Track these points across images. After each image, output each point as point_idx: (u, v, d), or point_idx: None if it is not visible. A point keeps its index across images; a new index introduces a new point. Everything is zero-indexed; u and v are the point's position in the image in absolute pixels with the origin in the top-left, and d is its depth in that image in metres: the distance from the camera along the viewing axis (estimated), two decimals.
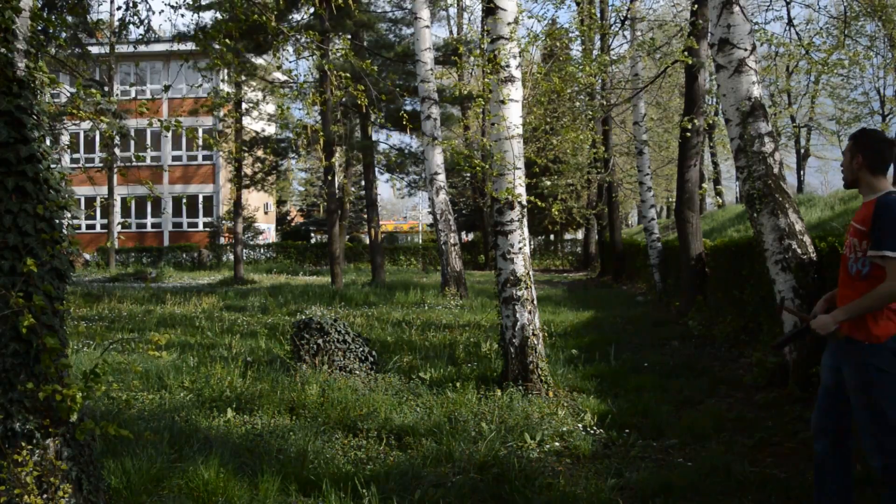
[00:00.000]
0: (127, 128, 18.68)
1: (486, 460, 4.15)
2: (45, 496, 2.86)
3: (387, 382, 6.10)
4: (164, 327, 9.83)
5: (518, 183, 6.06)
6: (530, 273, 6.10)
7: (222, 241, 31.39)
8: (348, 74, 5.42)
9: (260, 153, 22.96)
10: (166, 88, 5.12)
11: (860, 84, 27.55)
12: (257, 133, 23.86)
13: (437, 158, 14.24)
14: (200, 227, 32.68)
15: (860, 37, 13.66)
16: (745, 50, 6.06)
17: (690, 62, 9.77)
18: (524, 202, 6.13)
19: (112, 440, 4.13)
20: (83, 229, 31.65)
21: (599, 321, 10.82)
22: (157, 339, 3.13)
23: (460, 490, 3.77)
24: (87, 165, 23.81)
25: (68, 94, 3.63)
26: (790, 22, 10.48)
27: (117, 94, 26.73)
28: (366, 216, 24.20)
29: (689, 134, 10.63)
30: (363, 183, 22.86)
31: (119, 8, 5.47)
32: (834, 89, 25.01)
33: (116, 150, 22.74)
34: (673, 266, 13.10)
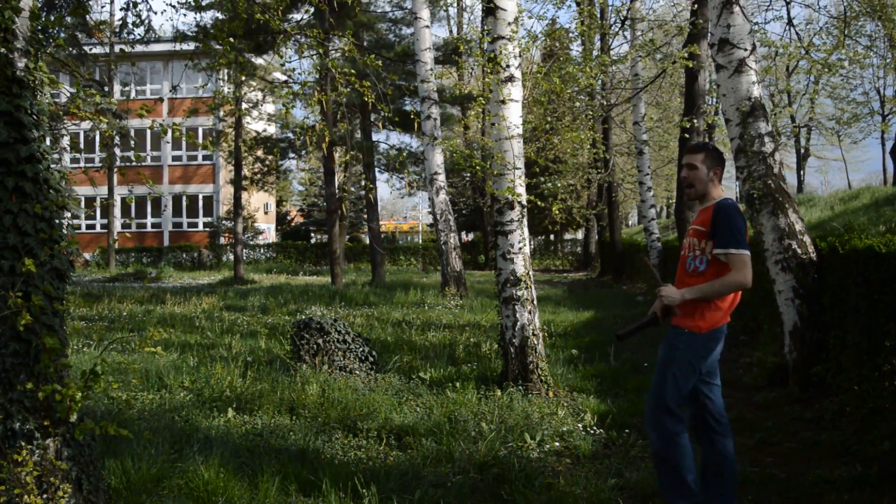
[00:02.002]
0: (127, 128, 18.70)
1: (486, 460, 4.15)
2: (44, 496, 2.86)
3: (387, 382, 6.10)
4: (164, 327, 9.83)
5: (518, 183, 6.06)
6: (530, 273, 6.10)
7: (222, 241, 31.39)
8: (353, 71, 5.42)
9: (260, 153, 22.96)
10: (174, 89, 5.13)
11: (860, 84, 27.59)
12: (257, 133, 23.86)
13: (437, 158, 14.24)
14: (200, 227, 32.68)
15: (860, 37, 13.66)
16: (745, 50, 6.06)
17: (691, 65, 9.77)
18: (524, 202, 6.13)
19: (112, 440, 4.13)
20: (83, 229, 31.65)
21: (599, 321, 10.82)
22: (153, 333, 3.13)
23: (460, 490, 3.77)
24: (87, 165, 23.82)
25: (68, 94, 3.63)
26: (790, 22, 10.48)
27: (121, 95, 26.76)
28: (366, 216, 24.20)
29: (688, 134, 10.64)
30: (363, 183, 22.85)
31: (121, 9, 5.47)
32: (834, 89, 25.04)
33: (116, 150, 22.72)
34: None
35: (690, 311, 3.21)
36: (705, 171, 3.33)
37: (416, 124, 7.23)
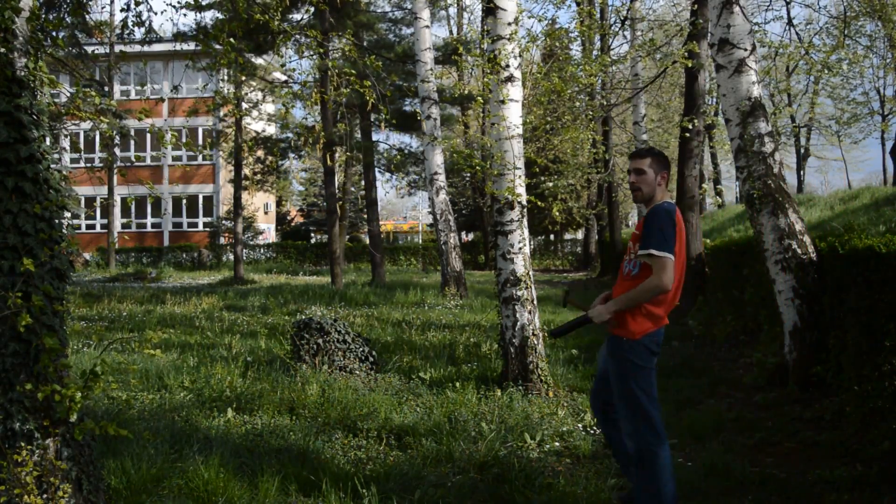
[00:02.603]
0: (127, 128, 18.70)
1: (486, 460, 4.15)
2: (44, 496, 2.86)
3: (387, 382, 6.10)
4: (164, 327, 9.83)
5: (518, 183, 6.06)
6: (530, 273, 6.10)
7: (222, 241, 31.38)
8: (353, 72, 5.41)
9: (260, 153, 22.95)
10: (175, 88, 5.12)
11: (860, 84, 27.57)
12: (257, 133, 23.86)
13: (437, 158, 14.23)
14: (200, 227, 32.68)
15: (860, 37, 13.66)
16: (745, 50, 6.06)
17: (690, 65, 9.77)
18: (524, 202, 6.13)
19: (112, 440, 4.13)
20: (83, 229, 31.66)
21: None
22: (152, 336, 3.14)
23: (460, 490, 3.77)
24: (87, 165, 23.82)
25: (68, 95, 3.63)
26: (790, 22, 10.49)
27: (121, 95, 26.76)
28: (366, 216, 24.20)
29: (689, 134, 10.64)
30: (363, 183, 22.85)
31: (121, 10, 5.47)
32: (834, 89, 25.03)
33: (116, 150, 22.73)
34: None
35: (622, 319, 3.23)
36: (653, 176, 3.36)
37: (420, 123, 7.22)
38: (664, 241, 3.11)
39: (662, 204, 3.27)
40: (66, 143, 18.80)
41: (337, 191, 19.25)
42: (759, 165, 5.96)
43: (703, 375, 6.61)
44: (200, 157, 32.62)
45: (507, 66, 6.08)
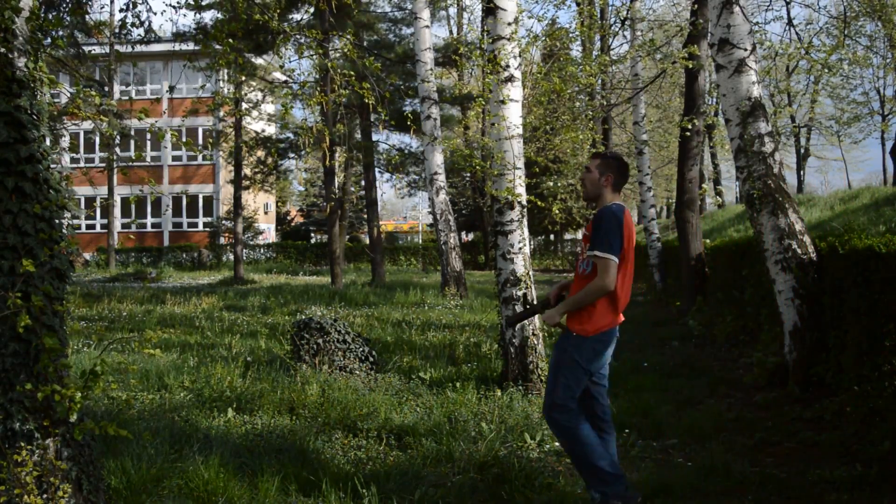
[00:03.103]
0: (127, 128, 18.69)
1: (486, 460, 4.15)
2: (44, 496, 2.86)
3: (387, 382, 6.10)
4: (164, 327, 9.83)
5: (518, 183, 6.06)
6: (530, 273, 6.10)
7: (222, 241, 31.38)
8: (353, 73, 5.42)
9: (260, 153, 22.95)
10: (171, 89, 5.11)
11: (860, 84, 27.59)
12: (257, 133, 23.86)
13: (437, 158, 14.23)
14: (200, 227, 32.68)
15: (860, 37, 13.66)
16: (745, 50, 6.06)
17: (691, 66, 9.77)
18: (524, 202, 6.13)
19: (112, 440, 4.13)
20: (83, 229, 31.65)
21: None
22: (152, 335, 3.14)
23: (460, 490, 3.77)
24: (87, 165, 23.81)
25: (68, 95, 3.63)
26: (790, 22, 10.49)
27: (121, 95, 26.75)
28: (366, 216, 24.20)
29: (689, 134, 10.63)
30: (363, 183, 22.85)
31: (121, 10, 5.47)
32: (834, 89, 25.04)
33: (116, 150, 22.72)
34: (673, 266, 13.11)
35: (577, 315, 3.35)
36: (597, 176, 3.49)
37: (410, 127, 7.23)
38: (608, 244, 3.24)
39: (610, 206, 3.38)
40: (65, 142, 18.78)
41: (337, 191, 19.25)
42: (759, 165, 5.96)
43: (703, 375, 6.61)
44: (200, 157, 32.61)
45: (507, 66, 6.08)
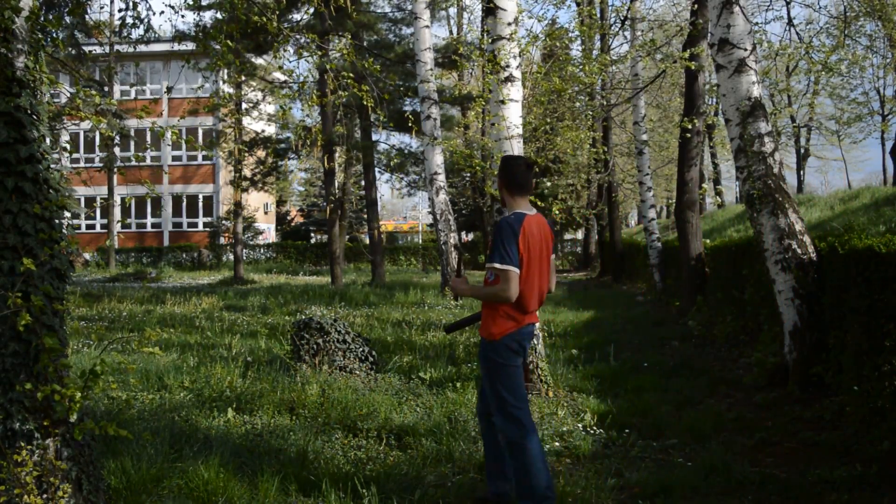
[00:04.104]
0: (127, 128, 18.69)
1: None
2: (44, 496, 2.85)
3: (387, 382, 6.10)
4: (164, 327, 9.83)
5: None
6: None
7: (222, 241, 31.38)
8: (351, 74, 5.41)
9: (260, 154, 22.95)
10: (168, 90, 5.11)
11: (860, 84, 27.57)
12: (257, 133, 23.86)
13: (437, 158, 14.23)
14: (200, 227, 32.67)
15: (860, 37, 13.67)
16: (745, 50, 6.06)
17: (691, 66, 9.78)
18: None
19: (112, 440, 4.13)
20: (83, 229, 31.65)
21: (599, 321, 10.82)
22: (151, 334, 3.14)
23: (460, 490, 3.77)
24: (87, 165, 23.80)
25: (68, 95, 3.62)
26: (790, 22, 10.49)
27: (121, 95, 26.75)
28: (366, 216, 24.20)
29: (689, 134, 10.63)
30: (363, 183, 22.85)
31: (120, 10, 5.47)
32: (834, 89, 25.03)
33: (116, 150, 22.72)
34: (673, 266, 13.10)
35: (485, 322, 3.50)
36: (499, 185, 3.64)
37: (411, 128, 7.23)
38: (506, 255, 3.33)
39: (508, 216, 3.47)
40: (65, 141, 18.79)
41: (337, 191, 19.26)
42: (759, 165, 5.96)
43: (703, 375, 6.61)
44: (200, 157, 32.61)
45: (507, 66, 6.08)
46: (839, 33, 11.08)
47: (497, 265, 3.33)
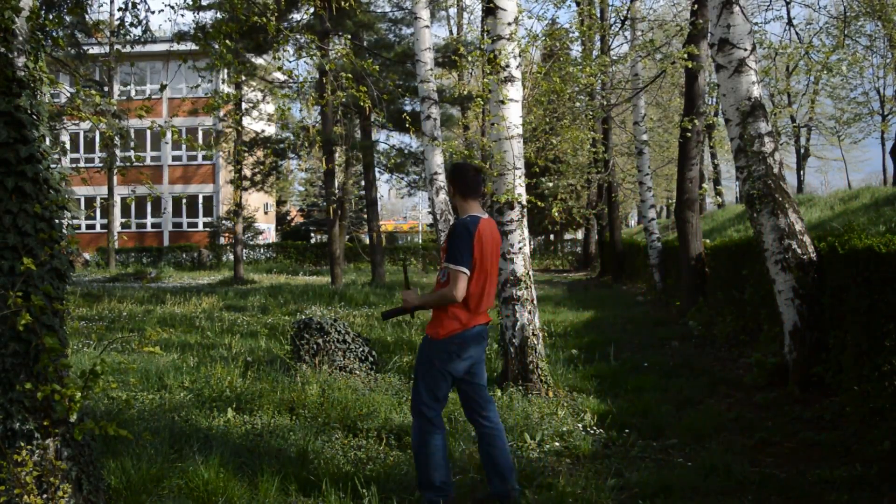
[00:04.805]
0: (127, 128, 18.70)
1: None
2: (44, 496, 2.85)
3: (387, 382, 6.10)
4: (164, 327, 9.83)
5: (518, 183, 6.06)
6: (530, 273, 6.09)
7: (222, 241, 31.37)
8: (350, 75, 5.41)
9: (260, 154, 22.94)
10: (163, 88, 5.10)
11: (860, 84, 27.57)
12: (257, 133, 23.85)
13: (437, 158, 14.19)
14: (200, 227, 32.67)
15: (860, 37, 13.67)
16: (745, 50, 6.05)
17: (691, 66, 9.77)
18: (524, 202, 6.13)
19: (112, 440, 4.13)
20: (83, 229, 31.63)
21: (599, 321, 10.82)
22: (151, 334, 3.14)
23: (460, 490, 3.77)
24: (87, 165, 23.79)
25: (68, 95, 3.63)
26: (790, 22, 10.50)
27: (121, 95, 26.75)
28: (366, 216, 24.19)
29: (689, 134, 10.63)
30: (363, 183, 22.85)
31: (120, 9, 5.46)
32: (834, 89, 25.03)
33: (116, 151, 22.71)
34: (673, 266, 13.10)
35: (433, 320, 3.61)
36: (449, 190, 3.75)
37: (409, 128, 7.23)
38: (459, 256, 3.44)
39: (463, 219, 3.57)
40: (65, 140, 18.78)
41: (337, 191, 19.26)
42: (759, 165, 5.96)
43: (703, 375, 6.61)
44: (200, 157, 32.61)
45: (507, 66, 6.08)
46: (839, 33, 11.09)
47: (451, 266, 3.44)
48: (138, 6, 5.19)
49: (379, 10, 20.68)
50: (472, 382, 3.69)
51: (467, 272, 3.45)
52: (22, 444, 2.86)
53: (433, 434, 3.54)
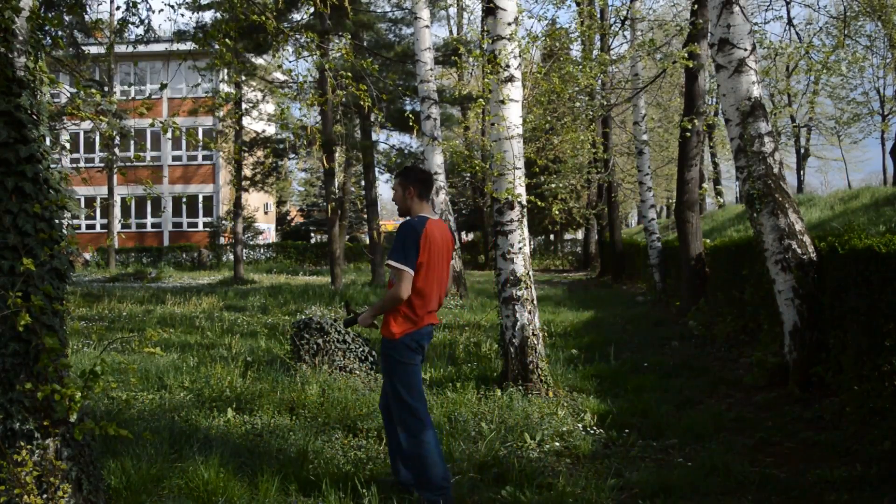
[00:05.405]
0: (127, 128, 18.70)
1: (486, 460, 4.15)
2: (44, 496, 2.85)
3: None
4: (164, 327, 9.83)
5: (518, 183, 6.06)
6: (530, 273, 6.09)
7: (222, 241, 31.37)
8: (349, 74, 5.41)
9: (260, 154, 22.94)
10: (163, 87, 5.10)
11: (860, 84, 27.58)
12: (257, 133, 23.84)
13: (437, 159, 14.21)
14: (200, 227, 32.67)
15: (860, 37, 13.67)
16: (745, 50, 6.05)
17: (691, 65, 9.77)
18: (524, 202, 6.13)
19: (112, 440, 4.13)
20: (83, 229, 31.63)
21: (599, 321, 10.82)
22: (152, 334, 3.14)
23: (460, 490, 3.77)
24: (87, 165, 23.78)
25: (68, 95, 3.63)
26: (790, 22, 10.50)
27: (121, 95, 26.74)
28: (366, 216, 24.19)
29: (689, 134, 10.63)
30: (363, 183, 22.84)
31: (119, 7, 5.46)
32: (834, 89, 25.03)
33: (116, 150, 22.71)
34: (673, 266, 13.10)
35: (386, 322, 3.64)
36: (401, 192, 3.75)
37: (412, 127, 7.23)
38: (404, 255, 3.49)
39: (412, 219, 3.63)
40: (66, 141, 18.76)
41: (337, 191, 19.25)
42: (759, 165, 5.96)
43: (703, 375, 6.61)
44: (200, 157, 32.61)
45: (507, 66, 6.08)
46: (839, 33, 11.09)
47: (394, 263, 3.50)
48: (139, 5, 5.20)
49: (379, 10, 20.68)
50: None
51: (411, 271, 3.50)
52: (22, 444, 2.86)
53: (425, 430, 3.57)
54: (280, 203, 41.12)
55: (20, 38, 3.04)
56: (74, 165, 26.67)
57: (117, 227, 30.03)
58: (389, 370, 3.64)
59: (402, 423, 3.59)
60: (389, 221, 53.80)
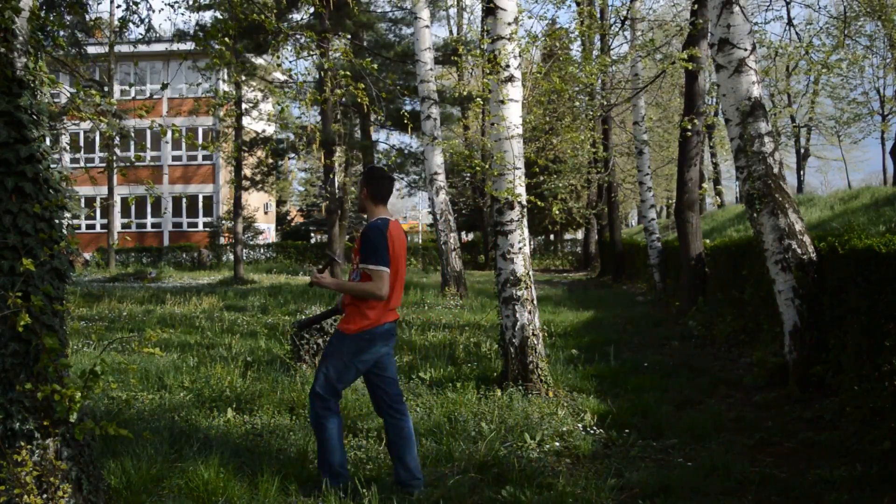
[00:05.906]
0: (127, 128, 18.70)
1: (486, 460, 4.15)
2: (44, 496, 2.85)
3: None
4: (164, 327, 9.83)
5: (518, 183, 6.06)
6: (530, 273, 6.09)
7: (222, 241, 31.35)
8: (349, 73, 5.41)
9: (260, 154, 22.94)
10: (164, 87, 5.10)
11: (860, 84, 27.58)
12: (257, 133, 23.83)
13: (437, 158, 14.23)
14: (200, 227, 32.65)
15: (860, 37, 13.67)
16: (745, 50, 6.05)
17: (691, 67, 9.77)
18: (524, 202, 6.13)
19: (112, 440, 4.13)
20: (83, 229, 31.62)
21: (599, 321, 10.82)
22: (151, 335, 3.14)
23: (460, 490, 3.77)
24: (87, 165, 23.78)
25: (68, 95, 3.63)
26: (790, 22, 10.50)
27: (121, 95, 26.75)
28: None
29: (689, 134, 10.63)
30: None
31: (119, 7, 5.46)
32: (834, 89, 25.03)
33: (116, 150, 22.69)
34: (673, 266, 13.10)
35: (345, 316, 3.78)
36: (359, 191, 3.90)
37: (408, 126, 7.23)
38: (378, 257, 3.63)
39: (375, 222, 3.75)
40: (66, 141, 18.76)
41: (337, 191, 19.24)
42: (759, 165, 5.96)
43: (703, 375, 6.61)
44: (200, 157, 32.60)
45: (507, 66, 6.08)
46: (839, 33, 11.09)
47: (371, 266, 3.62)
48: (139, 5, 5.20)
49: (379, 10, 20.69)
50: (382, 375, 3.84)
51: (388, 270, 3.65)
52: (22, 444, 2.86)
53: (329, 418, 3.71)
54: (280, 203, 41.11)
55: (20, 38, 3.04)
56: (77, 165, 26.68)
57: (117, 227, 30.02)
58: (330, 358, 3.74)
59: (311, 405, 3.73)
60: None
